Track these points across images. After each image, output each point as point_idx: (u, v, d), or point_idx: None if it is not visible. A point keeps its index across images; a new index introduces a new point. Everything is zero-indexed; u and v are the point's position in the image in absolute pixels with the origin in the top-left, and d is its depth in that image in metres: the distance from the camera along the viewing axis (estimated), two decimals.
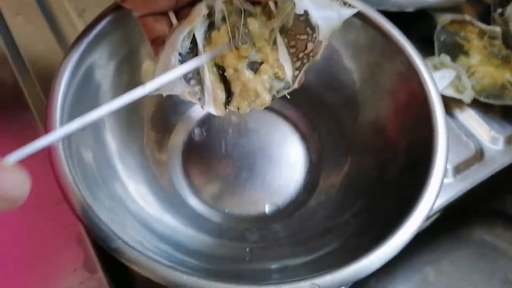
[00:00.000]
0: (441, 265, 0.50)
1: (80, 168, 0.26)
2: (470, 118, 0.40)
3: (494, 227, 0.52)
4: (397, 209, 0.28)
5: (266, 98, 0.25)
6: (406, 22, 0.44)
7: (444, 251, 0.51)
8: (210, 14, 0.25)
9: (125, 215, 0.27)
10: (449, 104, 0.41)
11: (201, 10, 0.24)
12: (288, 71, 0.25)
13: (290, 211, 0.34)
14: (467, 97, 0.39)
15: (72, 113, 0.28)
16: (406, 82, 0.32)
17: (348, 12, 0.24)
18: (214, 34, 0.25)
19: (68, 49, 0.30)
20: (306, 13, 0.24)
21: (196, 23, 0.24)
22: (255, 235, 0.32)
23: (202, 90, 0.25)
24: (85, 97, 0.30)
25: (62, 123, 0.27)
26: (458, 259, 0.51)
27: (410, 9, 0.40)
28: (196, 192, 0.34)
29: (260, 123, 0.37)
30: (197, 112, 0.38)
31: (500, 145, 0.39)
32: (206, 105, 0.25)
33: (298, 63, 0.25)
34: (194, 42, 0.25)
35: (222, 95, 0.25)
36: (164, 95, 0.24)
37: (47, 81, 0.40)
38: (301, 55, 0.25)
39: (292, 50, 0.25)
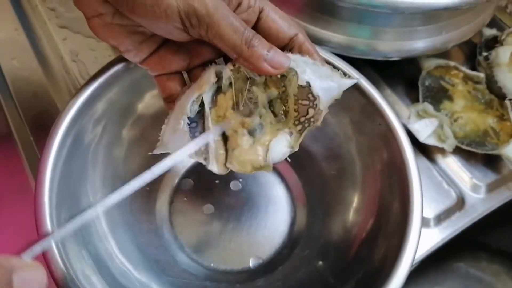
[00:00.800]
0: None
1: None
2: (452, 165, 0.41)
3: (479, 260, 0.53)
4: (381, 265, 0.29)
5: (261, 163, 0.26)
6: (392, 67, 0.45)
7: (431, 284, 0.52)
8: (218, 79, 0.26)
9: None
10: (432, 150, 0.41)
11: (210, 77, 0.26)
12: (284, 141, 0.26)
13: (274, 265, 0.35)
14: (449, 146, 0.40)
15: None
16: (385, 143, 0.32)
17: (348, 83, 0.26)
18: (220, 97, 0.27)
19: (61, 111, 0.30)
20: (308, 83, 0.25)
21: (205, 89, 0.26)
22: None
23: (206, 149, 0.27)
24: (77, 154, 0.31)
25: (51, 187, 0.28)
26: None
27: (395, 58, 0.40)
28: (182, 246, 0.35)
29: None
30: (184, 162, 0.39)
31: (481, 193, 0.40)
32: (210, 164, 0.27)
33: (300, 127, 0.26)
34: (202, 103, 0.26)
35: (223, 155, 0.27)
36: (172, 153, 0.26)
37: (39, 128, 0.41)
38: (302, 119, 0.26)
39: (295, 114, 0.26)
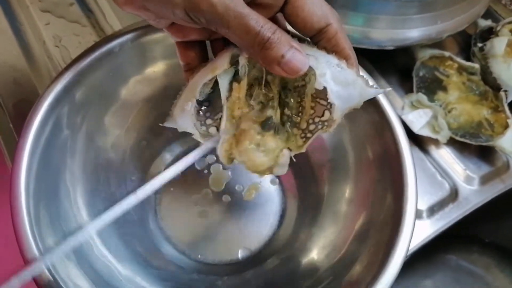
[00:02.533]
0: None
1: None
2: (446, 157, 0.40)
3: (470, 253, 0.52)
4: (374, 257, 0.29)
5: (265, 165, 0.25)
6: (386, 58, 0.44)
7: (421, 276, 0.52)
8: (236, 63, 0.24)
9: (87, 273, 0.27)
10: (425, 141, 0.41)
11: (223, 62, 0.24)
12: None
13: (263, 257, 0.34)
14: (443, 137, 0.40)
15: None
16: (378, 133, 0.32)
17: (371, 93, 0.23)
18: (235, 85, 0.25)
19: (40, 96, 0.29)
20: (325, 89, 0.22)
21: (218, 73, 0.24)
22: (226, 284, 0.32)
23: (217, 133, 0.25)
24: (54, 144, 0.30)
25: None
26: (434, 284, 0.52)
27: (390, 47, 0.40)
28: (169, 237, 0.34)
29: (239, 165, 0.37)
30: (173, 151, 0.38)
31: (475, 185, 0.39)
32: (218, 149, 0.25)
33: (313, 127, 0.24)
34: (215, 83, 0.25)
35: (230, 146, 0.25)
36: (180, 131, 0.25)
37: (19, 116, 0.40)
38: (317, 119, 0.24)
39: (311, 112, 0.24)
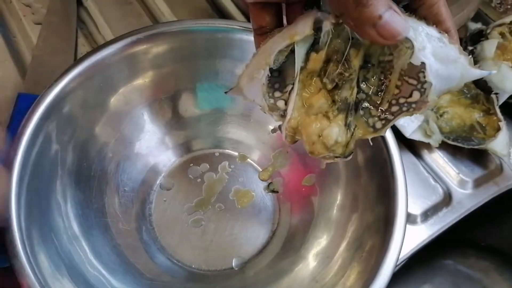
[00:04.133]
0: None
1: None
2: (439, 161, 0.40)
3: (467, 257, 0.52)
4: (366, 263, 0.29)
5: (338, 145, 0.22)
6: None
7: (420, 281, 0.52)
8: (317, 30, 0.22)
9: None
10: (418, 146, 0.41)
11: (305, 27, 0.21)
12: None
13: (257, 265, 0.34)
14: (435, 141, 0.40)
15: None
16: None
17: (476, 74, 0.20)
18: (313, 56, 0.22)
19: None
20: (423, 64, 0.20)
21: (297, 40, 0.22)
22: None
23: (285, 107, 0.23)
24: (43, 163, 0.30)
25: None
26: None
27: None
28: (163, 247, 0.34)
29: (232, 173, 0.38)
30: (165, 161, 0.38)
31: (468, 189, 0.39)
32: (283, 126, 0.23)
33: (396, 108, 0.21)
34: (291, 52, 0.22)
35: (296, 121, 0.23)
36: (246, 101, 0.23)
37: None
38: (402, 100, 0.21)
39: (395, 91, 0.21)
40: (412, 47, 0.20)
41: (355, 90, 0.22)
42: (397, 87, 0.21)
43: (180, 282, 0.32)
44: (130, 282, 0.29)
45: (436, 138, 0.40)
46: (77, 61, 0.31)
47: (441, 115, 0.41)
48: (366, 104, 0.22)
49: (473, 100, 0.43)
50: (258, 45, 0.24)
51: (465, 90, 0.43)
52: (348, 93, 0.22)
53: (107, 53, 0.31)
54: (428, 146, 0.40)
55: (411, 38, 0.20)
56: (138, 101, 0.34)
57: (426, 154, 0.41)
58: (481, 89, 0.43)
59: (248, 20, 0.47)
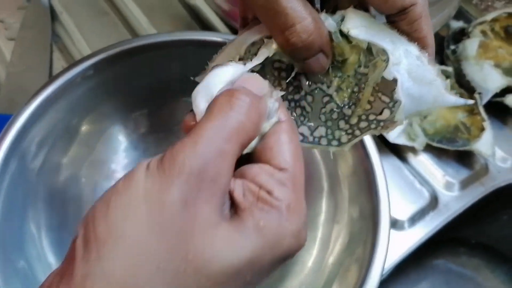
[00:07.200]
0: None
1: None
2: (424, 163, 0.40)
3: (459, 255, 0.52)
4: (352, 273, 0.28)
5: None
6: None
7: (412, 282, 0.52)
8: None
9: None
10: (402, 149, 0.40)
11: None
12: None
13: None
14: (419, 144, 0.39)
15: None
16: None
17: (451, 101, 0.19)
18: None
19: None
20: (395, 80, 0.19)
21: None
22: None
23: None
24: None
25: None
26: None
27: None
28: None
29: None
30: None
31: (455, 191, 0.39)
32: None
33: (364, 124, 0.21)
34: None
35: None
36: None
37: None
38: (372, 117, 0.21)
39: (367, 107, 0.21)
40: (387, 60, 0.19)
41: (326, 99, 0.21)
42: (369, 102, 0.21)
43: None
44: None
45: (420, 141, 0.39)
46: (49, 81, 0.30)
47: (425, 117, 0.41)
48: (335, 115, 0.22)
49: None
50: (241, 32, 0.22)
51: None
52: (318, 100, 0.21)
53: (80, 71, 0.31)
54: (413, 149, 0.40)
55: (388, 51, 0.19)
56: (111, 120, 0.33)
57: (411, 157, 0.40)
58: (465, 89, 0.42)
59: (228, 28, 0.47)
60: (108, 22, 0.47)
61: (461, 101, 0.19)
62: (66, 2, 0.47)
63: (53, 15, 0.47)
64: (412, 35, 0.20)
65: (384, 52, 0.19)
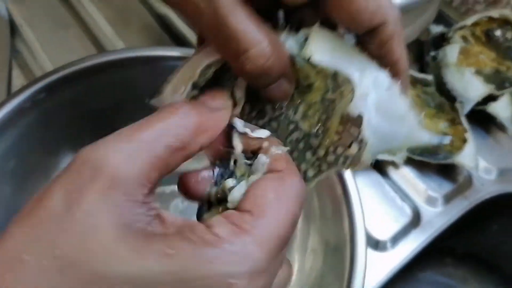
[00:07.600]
0: None
1: None
2: (406, 177, 0.38)
3: (445, 266, 0.51)
4: None
5: None
6: None
7: None
8: None
9: None
10: (383, 163, 0.39)
11: None
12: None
13: None
14: (399, 158, 0.37)
15: None
16: None
17: (425, 139, 0.17)
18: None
19: None
20: (360, 117, 0.17)
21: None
22: None
23: None
24: None
25: None
26: None
27: None
28: None
29: (186, 211, 0.35)
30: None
31: (438, 206, 0.37)
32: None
33: (332, 158, 0.18)
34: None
35: None
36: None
37: None
38: (340, 150, 0.18)
39: (335, 138, 0.18)
40: (352, 91, 0.17)
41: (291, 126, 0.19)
42: (338, 132, 0.18)
43: None
44: None
45: (401, 156, 0.37)
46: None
47: None
48: (302, 145, 0.19)
49: (438, 109, 0.41)
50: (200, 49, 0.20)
51: (429, 100, 0.41)
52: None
53: (28, 96, 0.28)
54: (393, 163, 0.38)
55: (354, 81, 0.17)
56: (71, 144, 0.31)
57: (392, 171, 0.38)
58: (446, 97, 0.41)
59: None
60: (72, 35, 0.44)
61: (436, 139, 0.18)
62: (27, 14, 0.45)
63: (13, 28, 0.44)
64: (383, 59, 0.18)
65: (349, 82, 0.17)
